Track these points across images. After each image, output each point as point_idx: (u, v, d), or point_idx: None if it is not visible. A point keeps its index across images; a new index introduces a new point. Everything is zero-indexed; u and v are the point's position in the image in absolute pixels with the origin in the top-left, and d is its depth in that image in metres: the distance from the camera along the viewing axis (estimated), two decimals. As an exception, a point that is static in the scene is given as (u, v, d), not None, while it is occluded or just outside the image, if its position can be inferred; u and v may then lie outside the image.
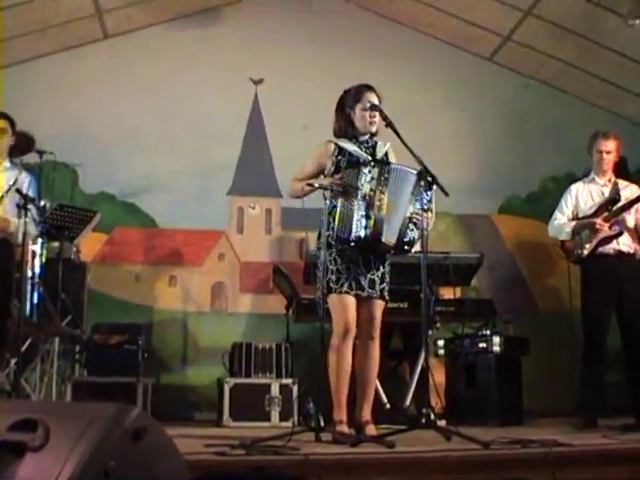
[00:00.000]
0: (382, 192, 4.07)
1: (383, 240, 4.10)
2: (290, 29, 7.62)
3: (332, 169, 4.28)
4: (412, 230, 4.14)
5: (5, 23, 6.59)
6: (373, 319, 4.27)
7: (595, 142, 5.50)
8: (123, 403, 2.16)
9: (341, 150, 4.31)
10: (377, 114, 4.29)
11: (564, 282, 6.59)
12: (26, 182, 4.92)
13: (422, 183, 4.07)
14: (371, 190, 4.07)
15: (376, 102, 4.32)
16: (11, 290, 4.84)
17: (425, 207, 4.06)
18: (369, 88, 4.38)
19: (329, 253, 4.20)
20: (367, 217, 4.04)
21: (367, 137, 4.40)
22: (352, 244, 4.10)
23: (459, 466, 3.18)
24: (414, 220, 4.13)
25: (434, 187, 4.06)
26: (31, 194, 4.79)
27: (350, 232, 4.08)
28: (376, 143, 4.40)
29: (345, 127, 4.39)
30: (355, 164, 4.20)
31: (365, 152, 4.31)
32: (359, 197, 4.07)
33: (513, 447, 3.48)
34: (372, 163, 4.14)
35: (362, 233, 4.04)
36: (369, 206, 4.05)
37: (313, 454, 3.13)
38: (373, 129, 4.37)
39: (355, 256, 4.22)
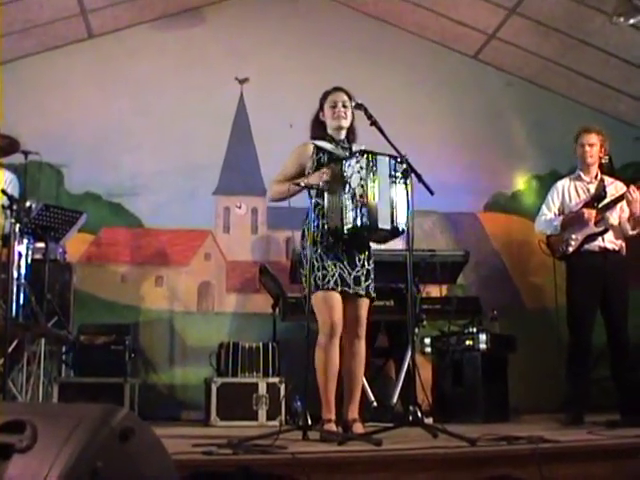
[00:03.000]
0: (373, 180, 4.09)
1: (380, 226, 4.11)
2: (275, 28, 7.61)
3: (314, 167, 4.33)
4: (400, 210, 4.15)
5: (-12, 23, 6.58)
6: (359, 318, 4.29)
7: (578, 137, 5.54)
8: (110, 404, 2.17)
9: (319, 149, 4.37)
10: (343, 109, 4.40)
11: (550, 279, 6.63)
12: (8, 182, 4.89)
13: (398, 170, 4.12)
14: (362, 179, 4.08)
15: (342, 99, 4.42)
16: None
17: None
18: (337, 89, 4.50)
19: (314, 250, 4.22)
20: (361, 206, 4.06)
21: (343, 137, 4.45)
22: (346, 235, 4.12)
23: (446, 463, 3.20)
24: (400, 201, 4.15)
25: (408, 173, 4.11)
26: (14, 194, 4.76)
27: (343, 224, 4.10)
28: (351, 146, 4.44)
29: (317, 128, 4.50)
30: (336, 160, 4.25)
31: (342, 151, 4.37)
32: (346, 189, 4.09)
33: (500, 444, 3.50)
34: (357, 154, 4.17)
35: (359, 222, 4.06)
36: (360, 195, 4.07)
37: (300, 453, 3.13)
38: (343, 123, 4.44)
39: (340, 254, 4.24)
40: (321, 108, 4.51)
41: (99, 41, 7.46)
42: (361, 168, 4.10)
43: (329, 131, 4.47)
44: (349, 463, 3.18)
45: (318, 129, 4.50)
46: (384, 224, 4.12)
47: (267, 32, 7.59)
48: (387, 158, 4.16)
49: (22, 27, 6.93)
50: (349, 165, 4.14)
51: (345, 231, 4.10)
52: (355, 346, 4.30)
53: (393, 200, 4.15)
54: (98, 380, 5.82)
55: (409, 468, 3.14)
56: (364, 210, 4.05)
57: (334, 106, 4.43)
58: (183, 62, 7.46)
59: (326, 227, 4.21)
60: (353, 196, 4.08)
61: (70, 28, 7.23)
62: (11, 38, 6.97)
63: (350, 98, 4.42)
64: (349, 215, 4.08)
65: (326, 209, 4.18)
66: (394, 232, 4.21)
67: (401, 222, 4.15)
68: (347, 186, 4.10)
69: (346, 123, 4.45)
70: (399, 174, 4.14)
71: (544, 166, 7.77)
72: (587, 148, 5.50)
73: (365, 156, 4.13)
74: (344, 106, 4.42)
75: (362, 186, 4.07)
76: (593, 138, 5.49)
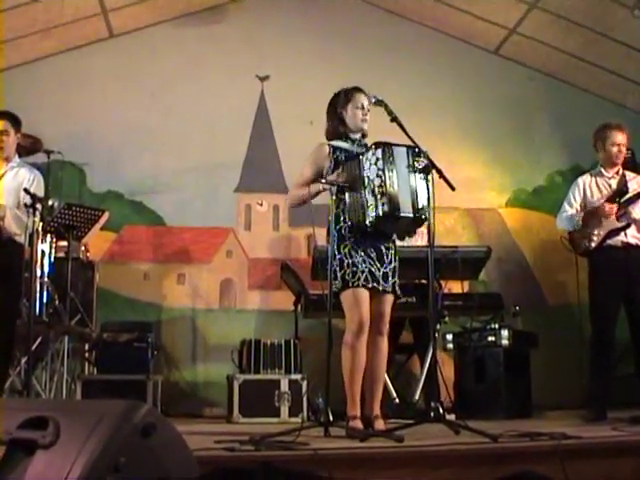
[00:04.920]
0: (391, 170, 4.08)
1: (401, 214, 4.10)
2: (295, 25, 7.63)
3: (332, 166, 4.32)
4: (423, 196, 4.14)
5: (10, 24, 6.62)
6: (383, 314, 4.28)
7: (610, 135, 5.44)
8: (133, 400, 2.18)
9: (336, 148, 4.36)
10: (368, 113, 4.40)
11: (572, 275, 6.58)
12: (32, 180, 4.89)
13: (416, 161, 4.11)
14: (379, 170, 4.07)
15: (366, 103, 4.41)
16: (20, 290, 4.85)
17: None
18: (359, 90, 4.48)
19: (343, 247, 4.20)
20: (381, 195, 4.05)
21: (359, 136, 4.44)
22: (370, 228, 4.11)
23: (468, 459, 3.19)
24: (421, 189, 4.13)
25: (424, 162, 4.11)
26: (38, 192, 4.77)
27: (365, 217, 4.10)
28: (366, 144, 4.43)
29: (337, 126, 4.45)
30: (354, 156, 4.25)
31: (358, 149, 4.36)
32: (366, 183, 4.09)
33: (522, 440, 3.48)
34: (373, 146, 4.16)
35: (380, 211, 4.04)
36: (380, 186, 4.06)
37: (322, 449, 3.13)
38: (365, 126, 4.44)
39: (369, 249, 4.23)
40: (342, 106, 4.44)
41: (120, 40, 7.50)
42: (377, 159, 4.09)
43: (348, 129, 4.43)
44: (371, 459, 3.18)
45: (339, 127, 4.44)
46: (406, 212, 4.09)
47: (287, 29, 7.61)
48: (403, 148, 4.15)
49: (43, 27, 7.00)
50: (366, 159, 4.13)
51: (368, 224, 4.09)
52: (378, 343, 4.29)
53: (413, 188, 4.13)
54: (121, 377, 5.83)
55: (431, 464, 3.13)
56: (384, 199, 4.03)
57: (361, 108, 4.40)
58: (204, 60, 7.49)
59: (349, 223, 4.20)
60: (372, 189, 4.07)
61: (91, 28, 7.28)
62: (32, 38, 7.03)
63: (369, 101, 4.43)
64: (370, 207, 4.07)
65: (348, 205, 4.17)
66: (417, 220, 4.17)
67: (423, 209, 4.13)
68: (366, 180, 4.09)
69: (366, 128, 4.46)
70: (417, 164, 4.12)
71: (566, 161, 7.73)
72: (622, 149, 5.44)
73: (381, 148, 4.12)
74: (368, 109, 4.42)
75: (380, 177, 4.06)
76: (624, 138, 5.42)
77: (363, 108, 4.40)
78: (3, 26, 6.62)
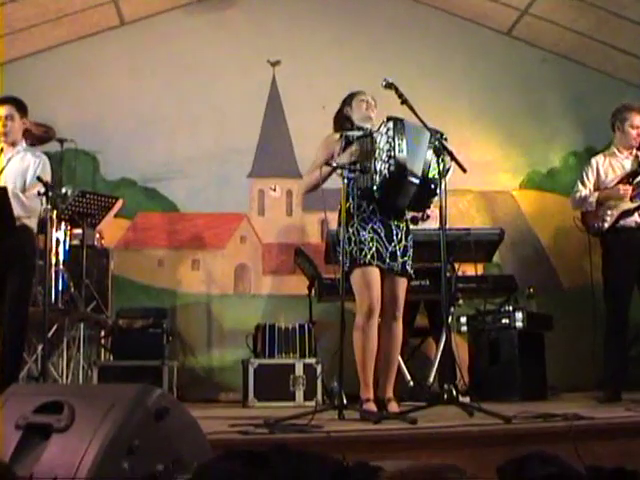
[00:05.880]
0: (401, 139, 4.10)
1: (409, 177, 4.10)
2: (306, 9, 7.60)
3: (343, 146, 4.34)
4: (434, 169, 4.14)
5: (22, 13, 6.64)
6: (396, 298, 4.28)
7: (630, 116, 5.40)
8: (146, 384, 2.21)
9: (347, 136, 4.39)
10: (373, 103, 4.46)
11: (586, 257, 6.56)
12: (38, 164, 4.85)
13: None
14: (389, 137, 4.09)
15: (369, 98, 4.50)
16: (32, 276, 4.87)
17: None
18: (361, 91, 4.56)
19: (351, 225, 4.20)
20: (388, 158, 4.07)
21: (369, 126, 4.45)
22: (377, 192, 4.12)
23: (481, 441, 3.20)
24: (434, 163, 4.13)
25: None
26: (44, 177, 4.74)
27: (372, 182, 4.12)
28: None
29: (342, 121, 4.52)
30: (367, 135, 4.29)
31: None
32: (377, 154, 4.12)
33: (535, 421, 3.50)
34: (385, 119, 4.18)
35: (386, 172, 4.07)
36: (388, 150, 4.08)
37: (336, 432, 3.16)
38: (371, 115, 4.47)
39: (377, 225, 4.23)
40: (347, 105, 4.54)
41: (131, 28, 7.50)
42: (388, 129, 4.12)
43: (356, 122, 4.48)
44: (384, 442, 3.20)
45: (344, 123, 4.52)
46: (413, 176, 4.10)
47: (298, 14, 7.58)
48: (417, 124, 4.16)
49: (54, 16, 7.01)
50: (379, 134, 4.18)
51: (375, 188, 4.10)
52: (392, 328, 4.30)
53: (426, 158, 4.14)
54: (137, 363, 5.87)
55: (444, 446, 3.15)
56: (392, 161, 4.06)
57: (366, 101, 4.48)
58: (215, 46, 7.47)
59: (359, 192, 4.20)
60: (382, 156, 4.09)
61: (102, 16, 7.28)
62: (44, 27, 7.05)
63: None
64: (378, 173, 4.11)
65: (357, 175, 4.17)
66: (426, 189, 4.17)
67: (434, 179, 4.14)
68: (377, 151, 4.12)
69: (374, 116, 4.48)
70: (430, 143, 4.13)
71: (580, 142, 7.69)
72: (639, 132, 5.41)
73: (392, 120, 4.14)
74: (373, 103, 4.50)
75: (389, 143, 4.09)
76: None
77: (367, 102, 4.47)
78: (14, 16, 6.65)
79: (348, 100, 4.55)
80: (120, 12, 7.33)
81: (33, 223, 4.75)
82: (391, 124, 4.14)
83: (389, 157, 4.08)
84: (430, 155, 4.13)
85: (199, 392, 6.59)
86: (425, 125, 4.13)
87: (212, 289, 7.18)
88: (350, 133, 4.41)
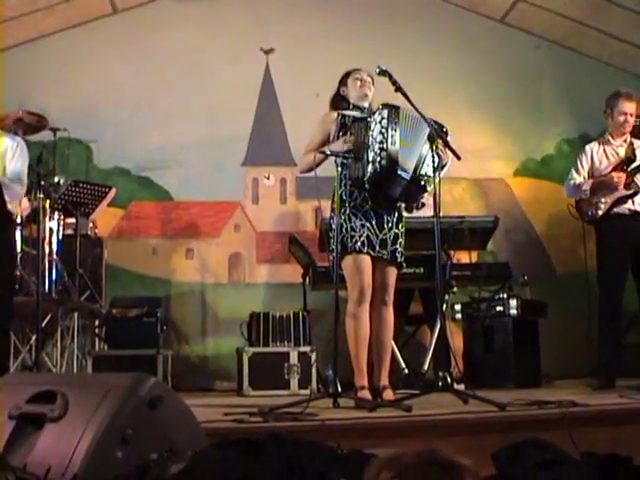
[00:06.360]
0: (394, 129, 4.09)
1: (399, 172, 4.09)
2: (298, -3, 7.58)
3: (337, 129, 4.35)
4: (428, 165, 4.14)
5: (13, 2, 6.60)
6: (387, 285, 4.29)
7: (618, 103, 5.42)
8: (139, 373, 2.20)
9: (344, 116, 4.38)
10: (369, 80, 4.46)
11: (581, 244, 6.57)
12: (16, 148, 4.75)
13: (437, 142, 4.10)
14: (382, 128, 4.09)
15: (365, 76, 4.48)
16: (13, 262, 4.81)
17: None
18: (357, 69, 4.54)
19: (343, 211, 4.21)
20: (381, 151, 4.06)
21: (367, 105, 4.48)
22: (367, 184, 4.12)
23: (476, 428, 3.21)
24: (429, 158, 4.12)
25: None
26: (23, 161, 4.67)
27: (364, 173, 4.11)
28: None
29: (338, 102, 4.53)
30: (361, 119, 4.27)
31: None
32: (370, 142, 4.10)
33: (530, 408, 3.51)
34: (380, 106, 4.16)
35: (377, 166, 4.06)
36: (381, 142, 4.07)
37: (330, 420, 3.16)
38: (368, 92, 4.47)
39: (369, 213, 4.23)
40: (343, 85, 4.55)
41: (124, 16, 7.44)
42: (382, 118, 4.12)
43: (352, 101, 4.48)
44: (379, 429, 3.21)
45: (340, 103, 4.53)
46: (404, 171, 4.10)
47: (291, 0, 7.55)
48: (411, 111, 4.15)
49: (46, 5, 6.96)
50: (373, 120, 4.16)
51: (366, 179, 4.10)
52: (383, 313, 4.31)
53: (419, 150, 4.14)
54: (131, 352, 5.84)
55: (439, 433, 3.16)
56: (383, 154, 4.05)
57: (360, 79, 4.47)
58: (208, 34, 7.42)
59: (350, 180, 4.19)
60: (374, 147, 4.09)
61: (94, 4, 7.23)
62: (36, 16, 7.00)
63: (371, 78, 4.49)
64: (370, 164, 4.09)
65: (350, 163, 4.17)
66: (416, 184, 4.17)
67: (425, 175, 4.14)
68: (370, 139, 4.11)
69: (370, 94, 4.48)
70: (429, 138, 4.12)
71: (574, 130, 7.68)
72: (629, 118, 5.41)
73: (387, 108, 4.13)
74: (368, 80, 4.48)
75: (382, 134, 4.08)
76: (634, 108, 5.39)
77: (362, 79, 4.46)
78: (6, 4, 6.61)
79: (344, 79, 4.55)
80: (113, 0, 7.29)
81: (14, 208, 4.68)
82: (386, 112, 4.14)
83: (381, 149, 4.07)
84: (426, 150, 4.13)
85: (194, 381, 6.59)
86: (424, 118, 4.11)
87: (206, 278, 7.17)
88: (347, 113, 4.41)
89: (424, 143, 4.14)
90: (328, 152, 4.20)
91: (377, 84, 4.49)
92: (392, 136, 4.08)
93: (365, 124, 4.20)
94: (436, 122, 4.16)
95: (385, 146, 4.07)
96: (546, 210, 7.52)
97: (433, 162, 4.08)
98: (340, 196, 4.17)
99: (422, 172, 4.14)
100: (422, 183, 4.16)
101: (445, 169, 4.24)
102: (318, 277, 5.91)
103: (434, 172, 4.09)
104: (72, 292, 5.75)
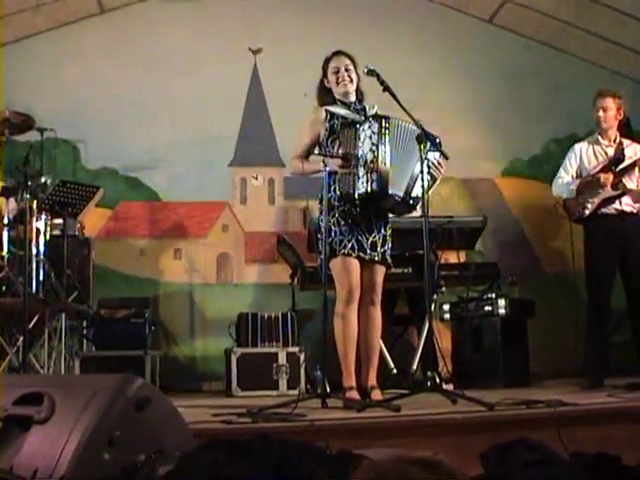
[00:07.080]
0: (385, 145, 4.07)
1: (390, 192, 4.09)
2: (286, -3, 7.57)
3: (326, 134, 4.31)
4: (419, 186, 4.13)
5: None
6: (375, 285, 4.30)
7: (595, 100, 5.47)
8: (126, 374, 2.19)
9: (333, 115, 4.33)
10: (346, 73, 4.37)
11: (569, 243, 6.58)
12: None
13: (427, 145, 4.08)
14: (373, 144, 4.06)
15: (344, 63, 4.40)
16: None
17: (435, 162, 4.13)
18: (336, 53, 4.47)
19: (332, 215, 4.21)
20: (371, 171, 4.04)
21: (353, 99, 4.43)
22: (358, 201, 4.11)
23: (464, 428, 3.21)
24: (422, 177, 4.07)
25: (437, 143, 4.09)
26: None
27: (354, 189, 4.08)
28: (364, 106, 4.42)
29: (324, 95, 4.47)
30: (350, 124, 4.22)
31: (356, 114, 4.33)
32: (359, 155, 4.07)
33: (518, 408, 3.51)
34: (371, 118, 4.15)
35: (368, 188, 4.04)
36: (371, 161, 4.04)
37: (319, 420, 3.16)
38: (349, 88, 4.41)
39: (358, 218, 4.23)
40: (325, 75, 4.49)
41: (111, 15, 7.42)
42: (373, 133, 4.08)
43: (337, 97, 4.44)
44: (367, 429, 3.20)
45: (325, 96, 4.48)
46: (395, 191, 4.10)
47: (279, 2, 7.53)
48: (402, 123, 4.13)
49: (34, 4, 6.94)
50: (363, 130, 4.12)
51: (356, 197, 4.09)
52: (370, 313, 4.31)
53: (411, 168, 4.12)
54: (119, 353, 5.84)
55: (428, 433, 3.16)
56: (374, 176, 4.03)
57: (337, 72, 4.40)
58: (196, 33, 7.41)
59: (339, 192, 4.19)
60: (365, 163, 4.06)
61: (82, 3, 7.21)
62: (23, 15, 6.97)
63: (352, 60, 4.42)
64: (360, 182, 4.06)
65: (339, 175, 4.16)
66: (408, 203, 4.18)
67: (416, 197, 4.13)
68: (360, 152, 4.08)
69: (352, 87, 4.43)
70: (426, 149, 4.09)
71: (562, 130, 7.68)
72: (601, 113, 5.44)
73: (378, 121, 4.11)
74: (347, 69, 4.40)
75: (373, 151, 4.06)
76: (608, 102, 5.41)
77: (339, 71, 4.38)
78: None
79: (325, 67, 4.49)
80: (100, 0, 7.26)
81: None
82: (376, 127, 4.10)
83: (371, 170, 4.05)
84: (418, 169, 4.08)
85: (182, 382, 6.56)
86: (406, 111, 4.10)
87: (194, 278, 7.15)
88: (335, 110, 4.36)
89: (417, 161, 4.08)
90: (322, 168, 4.16)
91: (365, 84, 4.48)
92: (382, 153, 4.06)
93: (354, 132, 4.16)
94: (428, 133, 4.10)
95: (375, 166, 4.05)
96: (534, 210, 7.53)
97: (423, 182, 4.04)
98: (329, 200, 4.18)
99: (413, 194, 4.14)
100: (412, 202, 4.17)
101: (434, 187, 4.25)
102: (306, 277, 5.90)
103: (423, 194, 4.08)
104: (60, 293, 5.71)
